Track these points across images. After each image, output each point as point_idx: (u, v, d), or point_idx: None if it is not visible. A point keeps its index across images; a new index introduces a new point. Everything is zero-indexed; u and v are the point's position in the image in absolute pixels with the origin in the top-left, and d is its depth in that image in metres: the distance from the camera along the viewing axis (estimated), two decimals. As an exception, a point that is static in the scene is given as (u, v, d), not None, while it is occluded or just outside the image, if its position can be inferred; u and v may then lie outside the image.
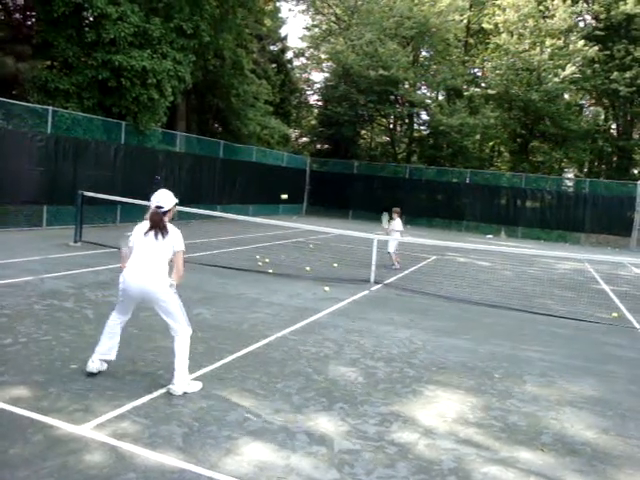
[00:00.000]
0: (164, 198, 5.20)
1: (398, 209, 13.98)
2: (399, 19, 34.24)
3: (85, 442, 3.89)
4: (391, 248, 13.51)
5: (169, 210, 5.20)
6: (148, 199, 5.37)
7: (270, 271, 11.54)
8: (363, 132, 42.11)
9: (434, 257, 16.59)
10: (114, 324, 5.22)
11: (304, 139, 43.28)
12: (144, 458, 3.74)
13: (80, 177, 16.19)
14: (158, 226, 5.06)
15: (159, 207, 5.13)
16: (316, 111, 42.10)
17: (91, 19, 17.62)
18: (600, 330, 8.89)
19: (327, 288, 10.23)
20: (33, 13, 18.57)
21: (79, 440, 3.91)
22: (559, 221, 28.66)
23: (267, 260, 12.85)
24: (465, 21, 38.06)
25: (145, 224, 5.13)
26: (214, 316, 7.59)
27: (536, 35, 32.76)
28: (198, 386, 5.07)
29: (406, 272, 13.19)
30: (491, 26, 34.85)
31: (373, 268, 11.26)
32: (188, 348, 5.10)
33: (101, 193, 14.10)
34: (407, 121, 39.03)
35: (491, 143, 39.46)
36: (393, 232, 13.49)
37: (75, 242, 12.78)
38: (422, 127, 39.52)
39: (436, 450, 4.27)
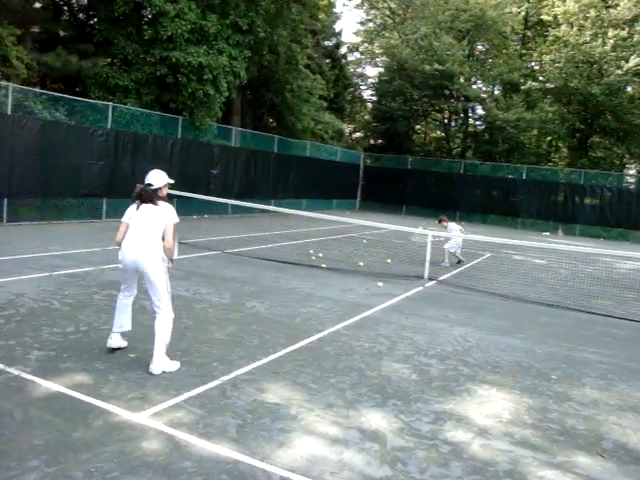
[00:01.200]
0: (154, 176, 5.44)
1: (444, 217, 13.80)
2: (454, 12, 33.68)
3: (142, 430, 3.98)
4: (447, 245, 13.37)
5: (159, 188, 5.41)
6: (203, 192, 5.56)
7: (323, 266, 11.56)
8: (417, 127, 41.71)
9: (489, 254, 16.29)
10: (121, 300, 5.54)
11: (358, 134, 43.17)
12: (199, 448, 3.81)
13: (138, 171, 16.53)
14: (147, 201, 5.28)
15: (149, 184, 5.37)
16: (370, 106, 41.95)
17: (150, 17, 18.04)
18: (664, 332, 8.56)
19: (380, 284, 10.18)
20: (95, 12, 19.09)
21: (136, 427, 4.01)
22: (619, 219, 27.67)
23: (320, 255, 12.88)
24: (523, 13, 37.07)
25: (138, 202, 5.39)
26: (268, 310, 7.65)
27: (598, 26, 31.62)
28: (176, 366, 5.19)
29: (460, 269, 13.00)
30: (550, 18, 33.81)
31: (427, 264, 11.14)
32: (169, 329, 5.23)
33: (158, 187, 14.39)
34: (462, 116, 38.44)
35: (548, 138, 38.39)
36: (453, 236, 13.28)
37: (133, 235, 13.08)
38: (477, 122, 38.85)
39: (491, 451, 4.20)
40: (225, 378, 5.05)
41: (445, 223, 13.65)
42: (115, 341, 5.48)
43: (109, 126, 16.20)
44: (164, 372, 5.08)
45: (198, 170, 19.01)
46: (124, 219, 5.46)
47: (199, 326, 6.55)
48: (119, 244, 5.40)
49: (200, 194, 14.87)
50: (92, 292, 7.74)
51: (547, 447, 4.35)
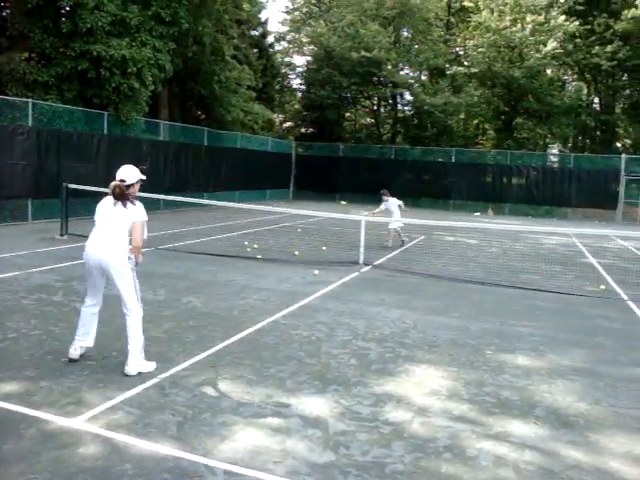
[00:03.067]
0: (127, 172, 5.27)
1: (385, 190, 14.08)
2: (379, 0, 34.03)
3: (79, 435, 3.87)
4: (392, 225, 13.74)
5: (132, 184, 5.26)
6: None
7: (259, 257, 11.51)
8: (347, 114, 41.95)
9: (422, 237, 16.61)
10: (86, 309, 5.28)
11: (288, 123, 43.07)
12: (139, 448, 3.73)
13: (64, 169, 16.03)
14: (119, 198, 5.14)
15: (122, 180, 5.20)
16: (299, 95, 41.88)
17: (67, 9, 17.36)
18: (588, 303, 8.96)
19: (316, 271, 10.22)
20: (7, 4, 18.25)
21: (73, 433, 3.89)
22: (546, 197, 28.76)
23: (255, 246, 12.82)
24: (446, 0, 37.82)
25: (108, 198, 5.22)
26: (204, 304, 7.56)
27: (517, 12, 32.63)
28: (152, 366, 5.13)
29: (395, 253, 13.21)
30: (472, 4, 34.65)
31: (362, 250, 11.26)
32: (140, 328, 5.14)
33: (86, 185, 13.95)
34: (391, 102, 38.98)
35: (475, 121, 39.45)
36: (392, 211, 13.66)
37: (61, 235, 12.68)
38: (406, 107, 39.48)
39: (431, 428, 4.30)
40: (163, 376, 4.97)
41: (386, 197, 13.88)
42: (77, 352, 5.24)
43: (30, 124, 15.54)
44: (140, 373, 5.00)
45: (127, 166, 18.53)
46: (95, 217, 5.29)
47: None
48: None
49: (130, 190, 14.50)
50: (20, 297, 7.44)
51: (484, 420, 4.49)
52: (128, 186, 5.22)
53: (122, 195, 5.14)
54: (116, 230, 5.12)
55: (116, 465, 3.52)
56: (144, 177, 5.46)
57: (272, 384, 4.96)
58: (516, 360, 5.98)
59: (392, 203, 13.90)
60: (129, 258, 5.14)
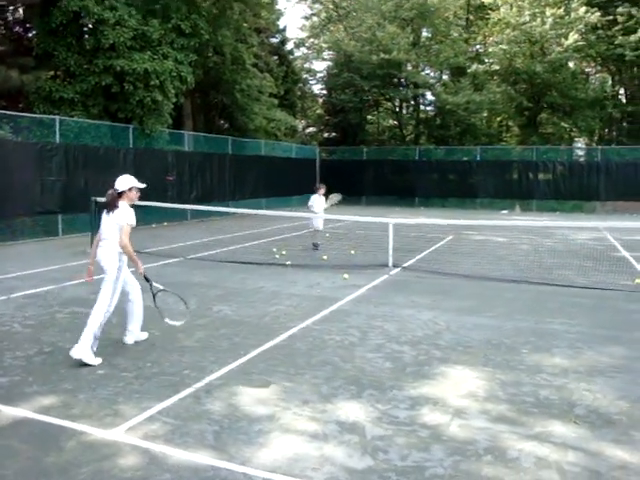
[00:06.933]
0: (120, 181, 5.89)
1: (321, 185, 14.20)
2: (397, 1, 33.91)
3: (118, 446, 3.90)
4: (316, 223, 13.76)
5: (124, 192, 5.85)
6: (160, 200, 6.01)
7: (288, 263, 11.52)
8: (369, 117, 41.90)
9: (451, 236, 16.47)
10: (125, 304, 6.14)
11: (311, 129, 43.14)
12: (177, 458, 3.74)
13: (92, 184, 16.21)
14: (109, 204, 5.81)
15: (115, 189, 5.84)
16: (321, 100, 41.94)
17: (89, 26, 17.66)
18: (624, 298, 8.78)
19: (346, 275, 10.19)
20: (32, 25, 18.61)
21: (112, 445, 3.92)
22: (573, 191, 28.28)
23: (284, 252, 12.84)
24: (464, -3, 37.60)
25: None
26: (235, 312, 7.59)
27: (536, 6, 32.26)
28: (97, 361, 5.50)
29: (424, 253, 13.12)
30: (491, 0, 34.37)
31: (390, 252, 11.19)
32: (98, 322, 5.62)
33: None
34: (412, 103, 38.82)
35: (499, 118, 39.08)
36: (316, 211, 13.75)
37: (92, 249, 12.83)
38: (428, 108, 39.34)
39: (469, 430, 4.23)
40: (198, 385, 4.98)
41: (320, 192, 13.95)
42: (126, 337, 6.13)
43: (57, 140, 15.83)
44: (82, 362, 5.42)
45: (153, 178, 18.65)
46: None
47: (167, 335, 6.45)
48: None
49: (157, 202, 14.66)
50: (54, 311, 7.55)
51: (523, 420, 4.41)
52: (120, 193, 5.83)
53: (110, 203, 5.80)
54: (106, 235, 5.79)
55: (155, 475, 3.53)
56: (140, 185, 5.99)
57: (307, 390, 4.94)
58: (553, 358, 5.87)
59: (316, 202, 13.86)
60: (120, 260, 5.79)
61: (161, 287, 6.27)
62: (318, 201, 13.86)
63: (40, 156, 15.09)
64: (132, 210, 5.88)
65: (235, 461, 3.71)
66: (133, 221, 5.83)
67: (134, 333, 6.17)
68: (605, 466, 3.75)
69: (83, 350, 5.42)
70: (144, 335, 6.29)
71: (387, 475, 3.59)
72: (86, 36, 17.80)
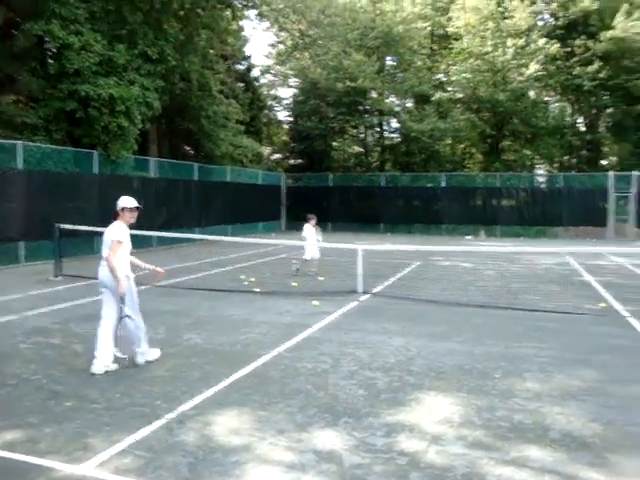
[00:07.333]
0: (118, 202, 6.39)
1: (312, 215, 14.24)
2: (363, 30, 34.54)
3: (88, 481, 3.76)
4: (313, 254, 13.83)
5: (117, 212, 6.33)
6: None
7: (257, 290, 11.44)
8: (335, 144, 42.23)
9: (418, 262, 16.58)
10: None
11: (277, 155, 43.26)
12: (151, 493, 3.63)
13: (55, 210, 15.89)
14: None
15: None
16: (287, 127, 42.18)
17: (54, 50, 17.49)
18: (590, 321, 8.92)
19: (316, 302, 10.15)
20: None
21: (82, 480, 3.78)
22: (536, 217, 28.88)
23: (253, 279, 12.75)
24: (429, 28, 38.49)
25: None
26: (205, 340, 7.47)
27: (498, 36, 33.24)
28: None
29: (393, 279, 13.17)
30: (455, 29, 35.29)
31: (360, 279, 11.20)
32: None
33: (77, 225, 13.88)
34: (378, 130, 39.31)
35: (462, 145, 39.82)
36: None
37: (55, 276, 12.56)
38: (393, 135, 39.79)
39: (447, 456, 4.21)
40: (170, 416, 4.86)
41: (312, 222, 14.02)
42: (139, 358, 6.33)
43: (19, 166, 15.51)
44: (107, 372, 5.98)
45: (118, 204, 18.45)
46: None
47: (137, 365, 6.30)
48: None
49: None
50: (17, 342, 7.32)
51: (499, 445, 4.41)
52: (115, 213, 6.32)
53: (114, 219, 6.32)
54: (104, 251, 6.16)
55: (129, 512, 3.41)
56: (130, 205, 6.33)
57: (282, 419, 4.86)
58: (525, 383, 5.91)
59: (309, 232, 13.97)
60: (127, 277, 6.19)
61: (129, 313, 6.16)
62: (310, 231, 13.89)
63: (1, 182, 14.76)
64: (125, 229, 6.28)
65: (211, 494, 3.61)
66: (123, 238, 6.15)
67: (144, 353, 6.39)
68: (582, 490, 3.77)
69: (143, 356, 6.27)
70: (155, 354, 6.56)
71: (367, 505, 3.53)
72: (50, 60, 17.62)
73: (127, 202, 6.33)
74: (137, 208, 6.38)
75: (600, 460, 4.18)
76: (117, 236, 6.09)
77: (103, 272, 6.14)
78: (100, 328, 6.11)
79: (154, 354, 6.47)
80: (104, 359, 6.03)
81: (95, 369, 5.96)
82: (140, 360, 6.27)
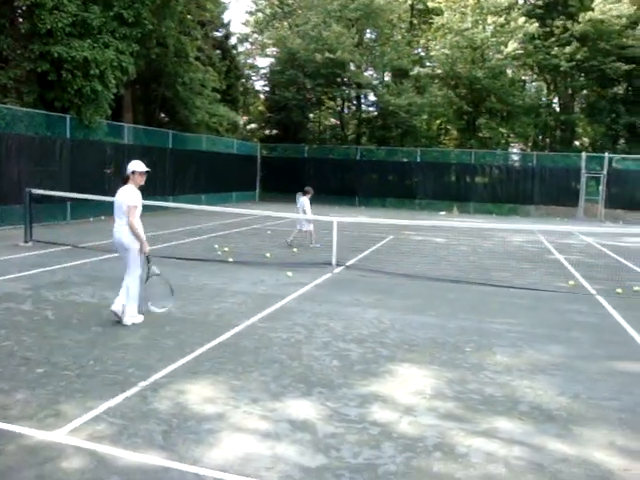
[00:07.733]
0: (129, 165, 6.67)
1: (309, 188, 14.75)
2: (343, 1, 34.08)
3: (61, 448, 3.74)
4: (309, 226, 14.06)
5: (127, 176, 6.61)
6: (98, 193, 6.60)
7: (230, 260, 11.39)
8: (312, 116, 41.89)
9: (391, 236, 16.68)
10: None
11: (253, 125, 42.78)
12: (126, 460, 3.62)
13: (26, 175, 15.54)
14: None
15: (126, 174, 6.66)
16: (263, 97, 41.68)
17: (24, 9, 16.90)
18: (560, 298, 9.10)
19: (290, 273, 10.16)
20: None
21: (54, 447, 3.76)
22: (509, 195, 29.20)
23: (226, 249, 12.69)
24: (409, 1, 38.13)
25: None
26: (180, 309, 7.43)
27: (478, 13, 33.13)
28: (140, 319, 6.61)
29: (366, 252, 13.23)
30: (435, 4, 35.05)
31: (334, 251, 11.23)
32: (134, 289, 6.56)
33: (49, 190, 13.62)
34: (355, 103, 39.09)
35: (438, 121, 39.83)
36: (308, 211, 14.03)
37: (26, 242, 12.34)
38: (370, 108, 39.60)
39: (419, 427, 4.29)
40: (144, 384, 4.85)
41: (309, 195, 14.23)
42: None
43: (-12, 128, 15.11)
44: (133, 323, 6.46)
45: (91, 170, 18.10)
46: None
47: (109, 332, 6.26)
48: None
49: (95, 195, 14.18)
50: (-14, 306, 7.20)
51: (470, 417, 4.50)
52: (127, 177, 6.61)
53: (123, 184, 6.64)
54: (119, 215, 6.50)
55: (103, 478, 3.41)
56: (141, 169, 6.62)
57: (256, 388, 4.88)
58: (495, 357, 6.02)
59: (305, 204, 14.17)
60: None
61: (158, 272, 6.73)
62: (308, 204, 13.96)
63: (-31, 144, 14.38)
64: (138, 192, 6.56)
65: (186, 461, 3.63)
66: (137, 202, 6.46)
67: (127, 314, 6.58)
68: (548, 459, 3.88)
69: (130, 316, 6.46)
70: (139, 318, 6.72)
71: (340, 473, 3.59)
72: (20, 19, 17.05)
73: (138, 166, 6.62)
74: (147, 172, 6.72)
75: (565, 432, 4.30)
76: (133, 201, 6.42)
77: (120, 234, 6.46)
78: (126, 287, 6.51)
79: (138, 318, 6.71)
80: (131, 312, 6.54)
81: (126, 320, 6.49)
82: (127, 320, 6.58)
